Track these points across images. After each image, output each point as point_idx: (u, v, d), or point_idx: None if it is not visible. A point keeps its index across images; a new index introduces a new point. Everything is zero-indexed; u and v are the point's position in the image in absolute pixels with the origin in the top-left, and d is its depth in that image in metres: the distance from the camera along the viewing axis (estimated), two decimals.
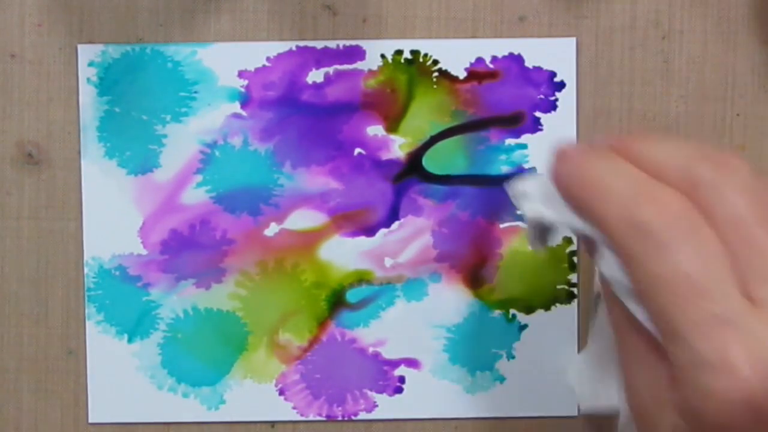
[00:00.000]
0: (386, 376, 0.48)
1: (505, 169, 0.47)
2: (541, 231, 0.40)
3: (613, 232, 0.36)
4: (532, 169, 0.47)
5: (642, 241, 0.35)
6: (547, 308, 0.47)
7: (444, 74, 0.47)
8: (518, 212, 0.40)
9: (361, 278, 0.47)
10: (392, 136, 0.47)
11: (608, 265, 0.37)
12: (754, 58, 0.47)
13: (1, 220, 0.47)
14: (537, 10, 0.47)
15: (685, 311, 0.35)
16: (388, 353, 0.48)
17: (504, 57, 0.47)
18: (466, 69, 0.47)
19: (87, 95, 0.47)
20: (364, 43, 0.47)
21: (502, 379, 0.47)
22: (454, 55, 0.47)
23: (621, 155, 0.38)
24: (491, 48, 0.47)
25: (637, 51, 0.47)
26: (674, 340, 0.35)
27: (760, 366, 0.34)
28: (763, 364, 0.35)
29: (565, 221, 0.38)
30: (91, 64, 0.47)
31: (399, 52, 0.47)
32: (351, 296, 0.47)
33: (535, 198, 0.39)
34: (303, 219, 0.47)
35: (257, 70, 0.47)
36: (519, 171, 0.47)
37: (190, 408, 0.48)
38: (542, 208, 0.39)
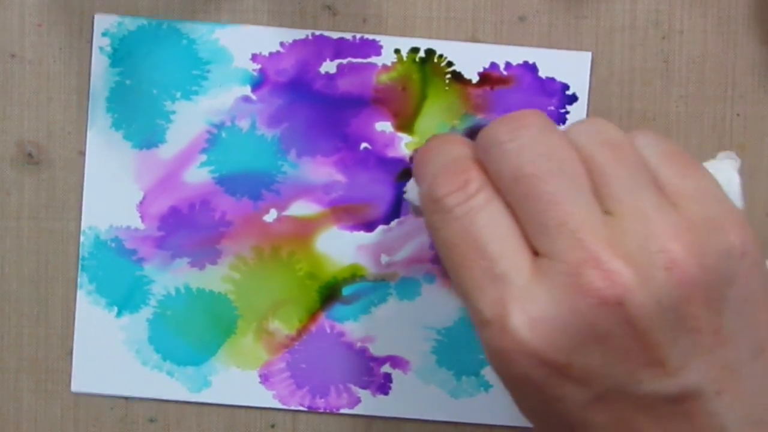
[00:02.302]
0: (371, 372, 0.47)
1: None
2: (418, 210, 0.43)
3: (422, 205, 0.39)
4: None
5: (435, 212, 0.38)
6: None
7: (457, 76, 0.47)
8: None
9: (355, 273, 0.47)
10: (399, 134, 0.47)
11: None
12: (754, 58, 0.47)
13: (1, 220, 0.47)
14: (537, 10, 0.47)
15: (470, 271, 0.37)
16: (376, 350, 0.47)
17: (518, 65, 0.47)
18: (479, 73, 0.47)
19: (99, 65, 0.47)
20: (381, 38, 0.47)
21: (487, 386, 0.47)
22: (469, 58, 0.47)
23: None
24: (506, 54, 0.47)
25: (637, 51, 0.47)
26: (464, 300, 0.38)
27: (535, 323, 0.36)
28: (538, 321, 0.36)
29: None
30: (105, 34, 0.47)
31: (415, 50, 0.47)
32: (344, 290, 0.47)
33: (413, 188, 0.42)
34: (303, 209, 0.47)
35: (271, 55, 0.47)
36: None
37: (173, 387, 0.47)
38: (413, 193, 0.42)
